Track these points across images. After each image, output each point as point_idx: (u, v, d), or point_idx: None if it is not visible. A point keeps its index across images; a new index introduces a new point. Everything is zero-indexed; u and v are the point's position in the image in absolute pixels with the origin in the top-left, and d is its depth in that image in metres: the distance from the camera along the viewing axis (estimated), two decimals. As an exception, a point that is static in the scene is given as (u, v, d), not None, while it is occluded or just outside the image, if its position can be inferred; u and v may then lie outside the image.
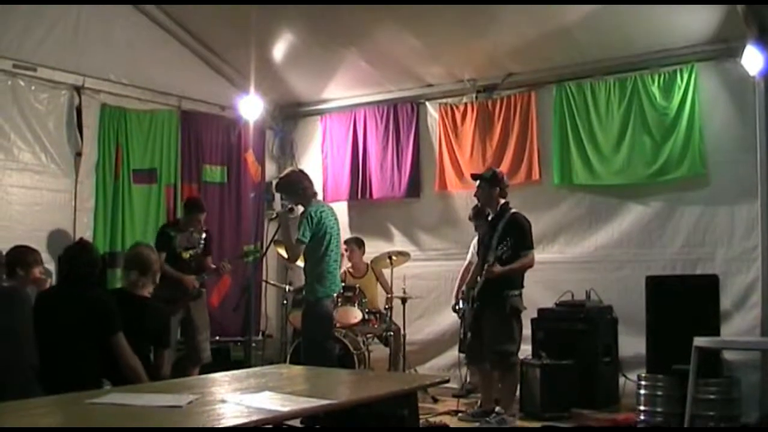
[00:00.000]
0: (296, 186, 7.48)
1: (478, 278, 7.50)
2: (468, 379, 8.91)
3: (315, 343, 7.31)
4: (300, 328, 7.81)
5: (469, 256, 8.90)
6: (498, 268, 7.18)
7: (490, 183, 7.51)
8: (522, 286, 7.41)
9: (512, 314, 7.24)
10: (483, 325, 7.35)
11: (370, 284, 9.54)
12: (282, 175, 8.17)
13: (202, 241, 8.39)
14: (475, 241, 8.85)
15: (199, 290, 8.28)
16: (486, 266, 7.33)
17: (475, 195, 7.76)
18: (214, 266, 8.47)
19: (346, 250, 9.40)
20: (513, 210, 7.44)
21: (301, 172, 7.85)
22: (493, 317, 7.27)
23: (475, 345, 7.49)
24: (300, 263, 9.22)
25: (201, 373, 7.79)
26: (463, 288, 8.18)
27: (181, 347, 8.23)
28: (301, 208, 7.50)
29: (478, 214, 8.43)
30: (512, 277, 7.28)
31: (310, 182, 7.59)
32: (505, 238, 7.22)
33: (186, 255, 8.24)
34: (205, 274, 8.40)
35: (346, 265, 9.51)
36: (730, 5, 7.54)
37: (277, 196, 10.76)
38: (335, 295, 7.79)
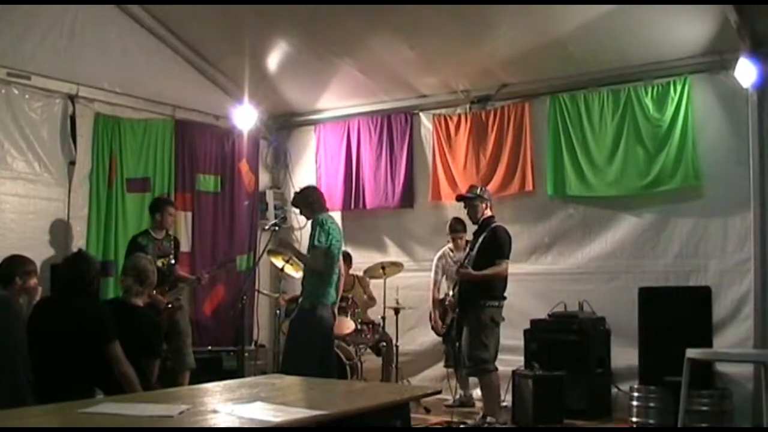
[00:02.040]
0: (311, 200, 7.72)
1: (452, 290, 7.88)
2: (459, 391, 8.89)
3: (305, 350, 7.29)
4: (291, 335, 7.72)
5: (433, 275, 9.12)
6: (471, 271, 7.35)
7: (473, 200, 7.69)
8: (503, 298, 7.47)
9: (488, 323, 7.32)
10: (462, 333, 7.48)
11: (356, 295, 9.53)
12: (299, 189, 8.31)
13: (172, 249, 8.45)
14: (435, 259, 9.15)
15: (178, 300, 8.36)
16: (459, 270, 7.60)
17: (467, 214, 7.84)
18: (193, 276, 8.55)
19: None
20: (495, 224, 7.55)
21: (316, 188, 8.28)
22: (469, 326, 7.39)
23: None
24: (294, 273, 9.25)
25: (192, 382, 7.78)
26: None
27: (165, 355, 8.22)
28: (301, 219, 7.56)
29: (454, 227, 8.90)
30: (490, 287, 7.36)
31: (323, 198, 7.91)
32: (484, 249, 7.39)
33: (160, 263, 8.26)
34: (184, 285, 8.48)
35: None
36: (724, 19, 7.56)
37: (271, 206, 10.83)
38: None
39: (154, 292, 7.93)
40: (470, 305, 7.40)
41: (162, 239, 8.42)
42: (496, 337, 7.46)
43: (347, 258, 9.67)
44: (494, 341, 7.42)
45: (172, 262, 8.47)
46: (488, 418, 7.34)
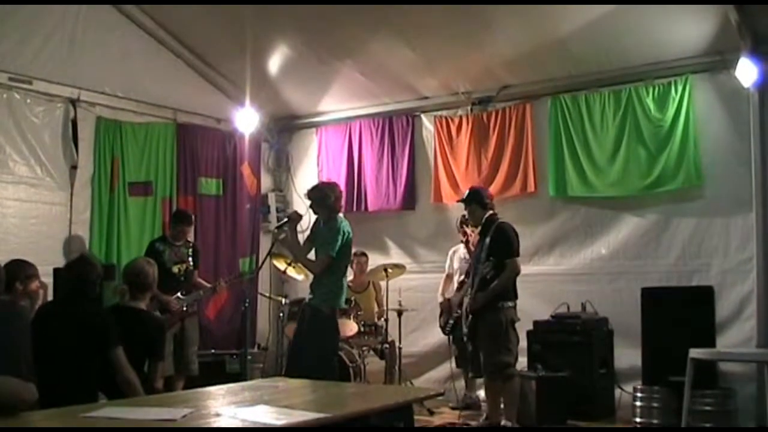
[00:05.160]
0: (329, 197, 7.40)
1: (464, 297, 7.68)
2: (465, 393, 8.87)
3: (325, 355, 7.25)
4: (302, 337, 7.49)
5: (446, 269, 9.12)
6: (479, 298, 7.26)
7: (468, 203, 7.61)
8: (516, 297, 7.38)
9: (508, 325, 7.21)
10: (479, 337, 7.35)
11: (368, 299, 9.53)
12: (316, 184, 7.86)
13: (191, 256, 8.45)
14: (451, 252, 9.08)
15: (193, 306, 8.42)
16: (468, 299, 7.50)
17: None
18: (209, 285, 8.56)
19: (356, 264, 9.46)
20: (499, 220, 7.46)
21: (337, 187, 7.71)
22: (487, 329, 7.24)
23: (476, 357, 7.49)
24: (297, 276, 9.24)
25: (195, 385, 7.76)
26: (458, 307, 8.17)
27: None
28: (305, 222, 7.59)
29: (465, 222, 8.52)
30: (504, 288, 7.25)
31: (341, 200, 7.66)
32: (492, 250, 7.27)
33: (176, 269, 8.29)
34: (201, 292, 8.45)
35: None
36: (724, 19, 7.56)
37: (273, 208, 10.81)
38: None
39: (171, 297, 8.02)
40: (487, 309, 7.22)
41: (180, 246, 8.49)
42: (517, 337, 7.40)
43: (364, 255, 9.69)
44: (516, 342, 7.34)
45: (191, 268, 8.52)
46: (503, 422, 7.24)
